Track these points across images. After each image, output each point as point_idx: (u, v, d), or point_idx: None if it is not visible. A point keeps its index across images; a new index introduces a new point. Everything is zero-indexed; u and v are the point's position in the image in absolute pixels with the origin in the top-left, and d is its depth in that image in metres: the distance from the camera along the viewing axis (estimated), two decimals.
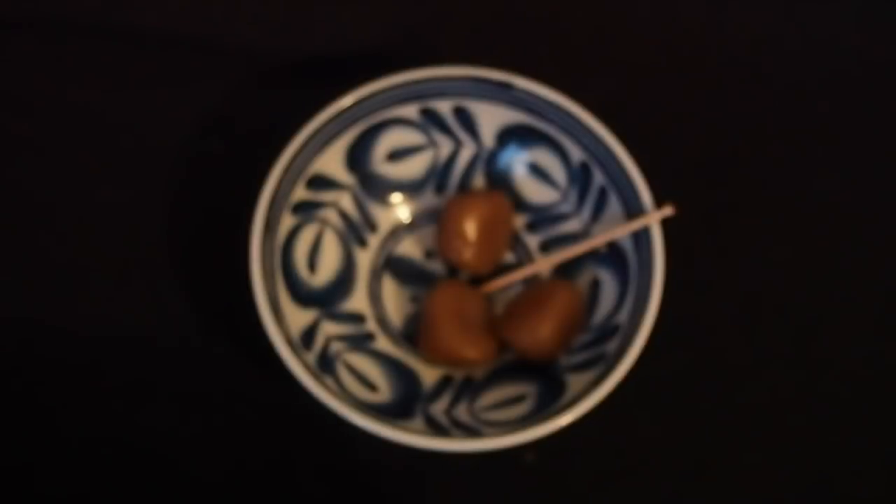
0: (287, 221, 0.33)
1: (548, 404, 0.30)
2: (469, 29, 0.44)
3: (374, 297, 0.35)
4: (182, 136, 0.40)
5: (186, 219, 0.38)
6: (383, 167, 0.36)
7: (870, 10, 0.45)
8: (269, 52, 0.43)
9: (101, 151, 0.40)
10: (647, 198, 0.32)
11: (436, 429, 0.30)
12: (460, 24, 0.44)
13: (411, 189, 0.37)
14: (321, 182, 0.34)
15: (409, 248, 0.37)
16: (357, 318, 0.34)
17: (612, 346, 0.31)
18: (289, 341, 0.29)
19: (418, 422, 0.30)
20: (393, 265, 0.36)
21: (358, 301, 0.35)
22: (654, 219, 0.31)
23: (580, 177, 0.35)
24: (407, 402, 0.32)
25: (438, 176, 0.37)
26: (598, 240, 0.33)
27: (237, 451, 0.33)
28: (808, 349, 0.36)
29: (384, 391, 0.32)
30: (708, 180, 0.40)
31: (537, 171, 0.36)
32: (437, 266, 0.36)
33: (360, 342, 0.34)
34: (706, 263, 0.37)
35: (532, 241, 0.36)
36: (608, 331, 0.32)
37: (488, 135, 0.36)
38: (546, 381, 0.32)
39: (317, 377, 0.28)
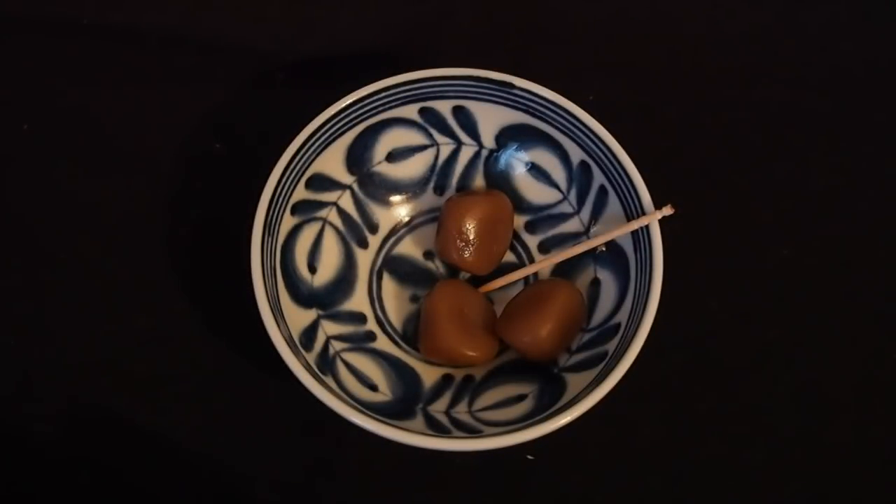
0: (287, 221, 0.33)
1: (548, 404, 0.30)
2: (469, 29, 0.44)
3: (374, 297, 0.35)
4: (182, 136, 0.40)
5: (186, 219, 0.38)
6: (383, 167, 0.36)
7: (870, 10, 0.45)
8: (269, 52, 0.43)
9: (101, 151, 0.40)
10: (647, 197, 0.32)
11: (436, 429, 0.30)
12: (460, 25, 0.44)
13: (411, 189, 0.37)
14: (321, 182, 0.34)
15: (409, 248, 0.37)
16: (357, 318, 0.34)
17: (611, 345, 0.31)
18: (289, 341, 0.29)
19: (418, 422, 0.30)
20: (393, 265, 0.36)
21: (358, 301, 0.35)
22: (653, 218, 0.31)
23: (580, 177, 0.35)
24: (407, 401, 0.32)
25: (438, 176, 0.37)
26: (598, 240, 0.33)
27: (237, 451, 0.33)
28: (808, 349, 0.36)
29: (384, 391, 0.32)
30: (707, 180, 0.40)
31: (537, 171, 0.36)
32: (437, 266, 0.36)
33: (360, 342, 0.34)
34: (706, 263, 0.37)
35: (532, 241, 0.36)
36: (608, 330, 0.32)
37: (488, 135, 0.36)
38: (546, 381, 0.32)
39: (317, 377, 0.28)
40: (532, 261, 0.36)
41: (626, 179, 0.32)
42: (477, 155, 0.37)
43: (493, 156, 0.37)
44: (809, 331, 0.36)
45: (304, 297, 0.33)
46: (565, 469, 0.33)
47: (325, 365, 0.31)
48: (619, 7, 0.45)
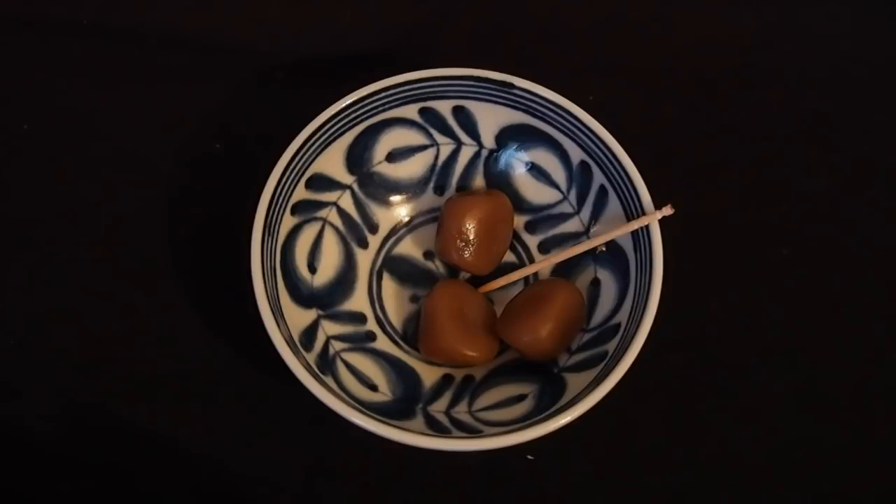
0: (287, 221, 0.33)
1: (548, 404, 0.30)
2: (469, 29, 0.44)
3: (374, 297, 0.35)
4: (182, 136, 0.40)
5: (186, 219, 0.38)
6: (383, 167, 0.36)
7: (870, 10, 0.45)
8: (269, 52, 0.43)
9: (100, 151, 0.40)
10: (647, 197, 0.31)
11: (436, 428, 0.30)
12: (460, 25, 0.44)
13: (411, 189, 0.37)
14: (321, 182, 0.34)
15: (409, 248, 0.37)
16: (357, 318, 0.34)
17: (611, 345, 0.31)
18: (289, 341, 0.29)
19: (418, 422, 0.30)
20: (393, 265, 0.36)
21: (358, 301, 0.35)
22: (653, 219, 0.31)
23: (580, 177, 0.35)
24: (407, 401, 0.32)
25: (438, 176, 0.37)
26: (598, 240, 0.33)
27: (237, 451, 0.33)
28: (808, 349, 0.36)
29: (384, 391, 0.32)
30: (707, 180, 0.40)
31: (537, 171, 0.36)
32: (437, 266, 0.36)
33: (360, 342, 0.34)
34: (706, 263, 0.37)
35: (532, 241, 0.36)
36: (608, 330, 0.32)
37: (488, 135, 0.36)
38: (546, 381, 0.32)
39: (317, 377, 0.28)
40: (532, 261, 0.36)
41: (626, 179, 0.32)
42: (477, 155, 0.37)
43: (493, 156, 0.37)
44: (809, 331, 0.36)
45: (304, 297, 0.33)
46: (565, 469, 0.33)
47: (325, 365, 0.31)
48: (619, 7, 0.45)
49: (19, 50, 0.42)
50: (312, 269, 0.34)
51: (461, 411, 0.32)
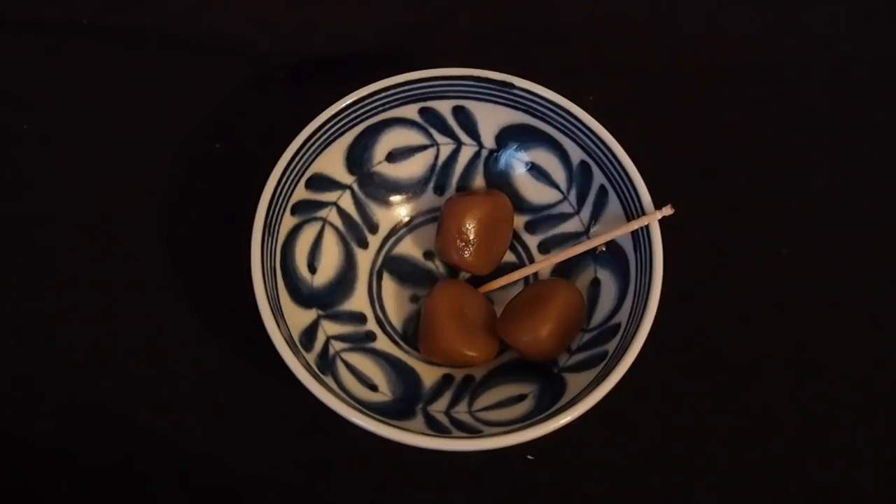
0: (287, 221, 0.33)
1: (548, 404, 0.30)
2: (469, 29, 0.44)
3: (374, 297, 0.35)
4: (182, 136, 0.40)
5: (186, 219, 0.38)
6: (383, 167, 0.36)
7: (870, 10, 0.45)
8: (269, 52, 0.43)
9: (100, 151, 0.40)
10: (647, 198, 0.31)
11: (436, 428, 0.30)
12: (460, 25, 0.44)
13: (411, 189, 0.37)
14: (321, 182, 0.34)
15: (409, 248, 0.37)
16: (357, 318, 0.34)
17: (611, 345, 0.31)
18: (289, 341, 0.29)
19: (418, 422, 0.30)
20: (393, 265, 0.36)
21: (358, 301, 0.35)
22: (653, 219, 0.31)
23: (580, 177, 0.35)
24: (407, 401, 0.32)
25: (438, 176, 0.37)
26: (598, 240, 0.33)
27: (237, 451, 0.33)
28: (808, 349, 0.36)
29: (384, 391, 0.32)
30: (707, 180, 0.40)
31: (537, 171, 0.36)
32: (437, 266, 0.37)
33: (360, 342, 0.34)
34: (706, 263, 0.37)
35: (532, 241, 0.36)
36: (608, 330, 0.32)
37: (488, 135, 0.36)
38: (546, 381, 0.32)
39: (317, 377, 0.28)
40: (532, 261, 0.36)
41: (626, 179, 0.32)
42: (477, 155, 0.37)
43: (493, 156, 0.37)
44: (809, 331, 0.36)
45: (304, 297, 0.33)
46: (565, 469, 0.33)
47: (325, 365, 0.31)
48: (619, 7, 0.45)
49: (19, 50, 0.42)
50: (312, 269, 0.34)
51: (461, 411, 0.32)
